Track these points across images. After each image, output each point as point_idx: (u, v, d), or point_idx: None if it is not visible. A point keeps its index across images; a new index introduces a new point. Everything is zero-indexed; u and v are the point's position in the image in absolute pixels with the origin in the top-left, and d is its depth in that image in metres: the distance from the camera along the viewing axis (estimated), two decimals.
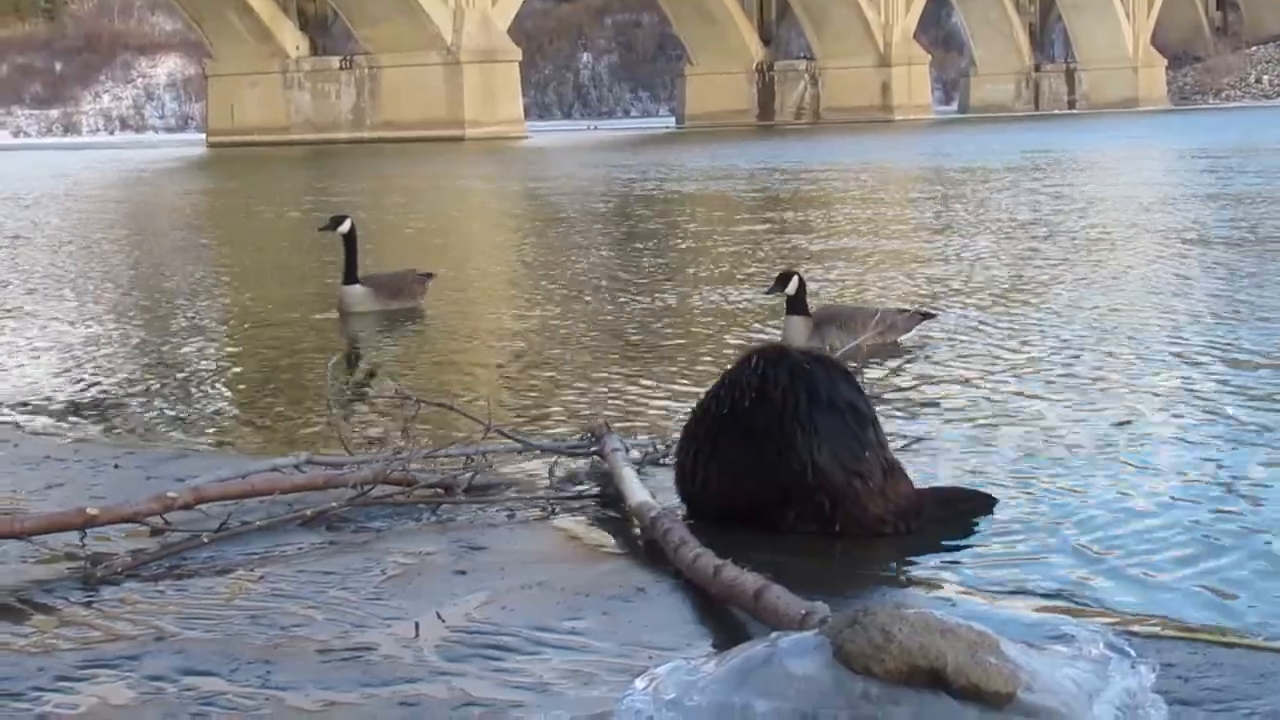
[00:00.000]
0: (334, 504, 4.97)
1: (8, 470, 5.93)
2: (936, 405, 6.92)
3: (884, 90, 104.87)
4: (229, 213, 27.74)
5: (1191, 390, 7.16)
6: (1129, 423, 6.38)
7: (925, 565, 4.45)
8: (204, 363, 9.29)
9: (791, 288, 8.55)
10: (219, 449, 6.58)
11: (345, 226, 10.65)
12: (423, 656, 3.65)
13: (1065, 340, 8.82)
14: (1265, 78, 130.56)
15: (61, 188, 37.76)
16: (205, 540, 4.61)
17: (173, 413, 7.65)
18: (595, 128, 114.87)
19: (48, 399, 8.00)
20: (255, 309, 11.95)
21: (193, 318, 11.50)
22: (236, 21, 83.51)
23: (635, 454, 5.51)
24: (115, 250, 18.69)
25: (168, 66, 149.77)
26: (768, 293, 8.93)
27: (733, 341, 9.17)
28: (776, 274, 8.87)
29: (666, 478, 5.24)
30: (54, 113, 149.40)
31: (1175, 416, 6.53)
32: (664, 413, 6.82)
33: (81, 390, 8.26)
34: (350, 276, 10.75)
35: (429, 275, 11.43)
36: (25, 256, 17.57)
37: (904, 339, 8.77)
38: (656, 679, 3.06)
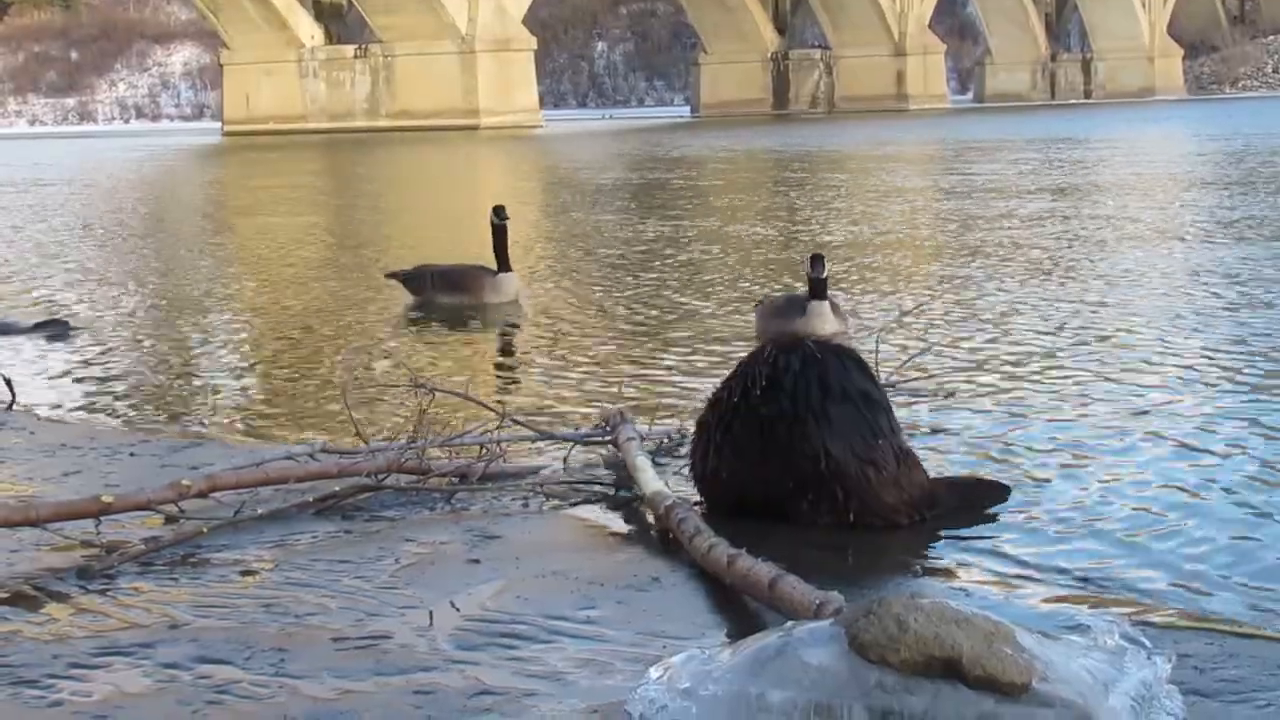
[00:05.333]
0: (337, 489, 4.98)
1: (24, 457, 5.94)
2: (951, 393, 6.89)
3: (899, 79, 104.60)
4: (250, 201, 27.73)
5: (1211, 379, 7.12)
6: (1146, 412, 6.35)
7: (940, 555, 4.45)
8: (220, 350, 9.29)
9: (824, 270, 8.54)
10: (233, 437, 6.57)
11: (501, 220, 10.79)
12: (437, 645, 3.64)
13: (1081, 328, 8.78)
14: None
15: (83, 175, 37.82)
16: (205, 531, 4.61)
17: (187, 400, 7.66)
18: (610, 117, 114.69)
19: (64, 386, 8.01)
20: (273, 297, 11.95)
21: (210, 305, 11.51)
22: (251, 10, 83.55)
23: (650, 443, 5.50)
24: (133, 237, 18.70)
25: (183, 55, 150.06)
26: (811, 275, 8.66)
27: (750, 329, 9.14)
28: (813, 255, 8.77)
29: (682, 467, 5.24)
30: (70, 101, 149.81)
31: (1194, 405, 6.49)
32: (680, 402, 6.80)
33: (97, 377, 8.28)
34: (504, 265, 10.81)
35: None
36: (44, 242, 17.59)
37: None
38: (671, 668, 3.06)
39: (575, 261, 13.89)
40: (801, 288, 10.34)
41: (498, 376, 7.93)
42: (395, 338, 9.58)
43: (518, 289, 10.91)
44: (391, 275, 11.33)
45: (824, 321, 8.39)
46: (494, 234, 10.82)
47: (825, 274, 8.54)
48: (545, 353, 8.83)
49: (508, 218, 10.84)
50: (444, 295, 10.85)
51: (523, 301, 10.81)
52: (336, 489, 5.01)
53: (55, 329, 9.39)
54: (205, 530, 4.60)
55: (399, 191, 29.42)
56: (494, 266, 10.88)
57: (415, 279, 11.08)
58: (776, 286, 11.30)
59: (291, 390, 7.84)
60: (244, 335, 10.00)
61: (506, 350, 9.08)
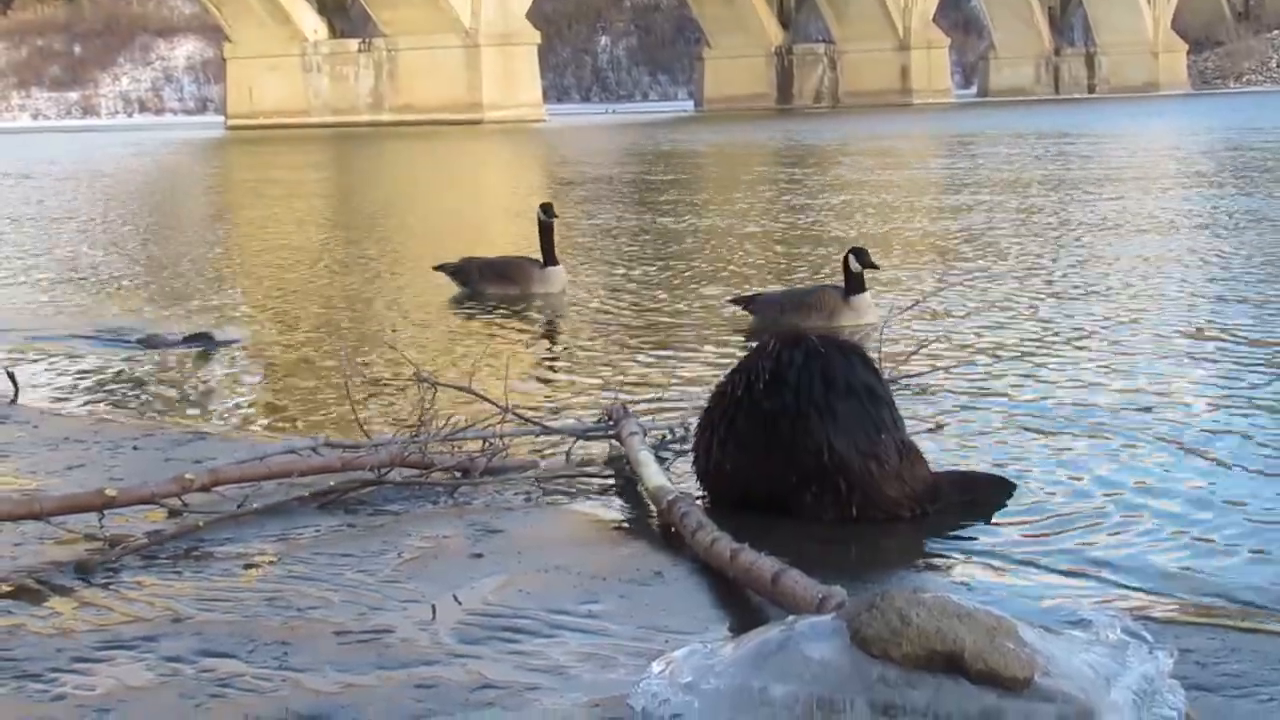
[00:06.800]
0: (333, 483, 4.98)
1: (28, 451, 5.94)
2: (953, 388, 6.88)
3: (903, 74, 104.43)
4: (256, 195, 27.70)
5: (1215, 371, 7.11)
6: (1150, 409, 6.33)
7: (942, 549, 4.43)
8: (223, 344, 9.25)
9: (866, 262, 8.78)
10: (236, 431, 6.56)
11: (549, 217, 10.99)
12: (439, 639, 3.64)
13: (1086, 322, 8.77)
14: None
15: (94, 168, 37.81)
16: (200, 525, 4.60)
17: (191, 394, 7.65)
18: (614, 111, 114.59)
19: (68, 380, 8.00)
20: (276, 291, 11.94)
21: (213, 299, 11.50)
22: (255, 4, 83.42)
23: (652, 437, 5.48)
24: (134, 231, 18.69)
25: (186, 49, 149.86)
26: (864, 268, 8.85)
27: (746, 323, 9.14)
28: (854, 249, 8.92)
29: (684, 461, 5.22)
30: (73, 95, 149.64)
31: (1198, 399, 6.48)
32: (683, 396, 6.78)
33: (101, 371, 8.27)
34: (551, 259, 10.97)
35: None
36: (50, 238, 17.59)
37: None
38: (673, 662, 3.05)
39: (581, 255, 13.87)
40: (772, 285, 10.47)
41: (503, 369, 7.87)
42: (410, 330, 9.57)
43: (565, 281, 11.05)
44: (439, 267, 11.39)
45: (872, 313, 8.71)
46: (541, 230, 11.02)
47: (876, 265, 8.90)
48: (551, 346, 8.82)
49: (556, 215, 11.10)
50: (491, 286, 10.98)
51: (569, 294, 10.90)
52: (334, 483, 4.99)
53: (203, 343, 8.98)
54: (201, 525, 4.58)
55: (408, 186, 29.41)
56: (540, 259, 11.04)
57: (462, 270, 11.19)
58: (762, 282, 11.30)
59: (296, 384, 7.83)
60: (247, 328, 9.95)
61: (514, 343, 9.06)
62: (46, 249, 16.31)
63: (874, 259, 8.95)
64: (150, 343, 9.03)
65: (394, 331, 9.51)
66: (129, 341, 9.16)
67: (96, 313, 10.75)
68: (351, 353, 8.41)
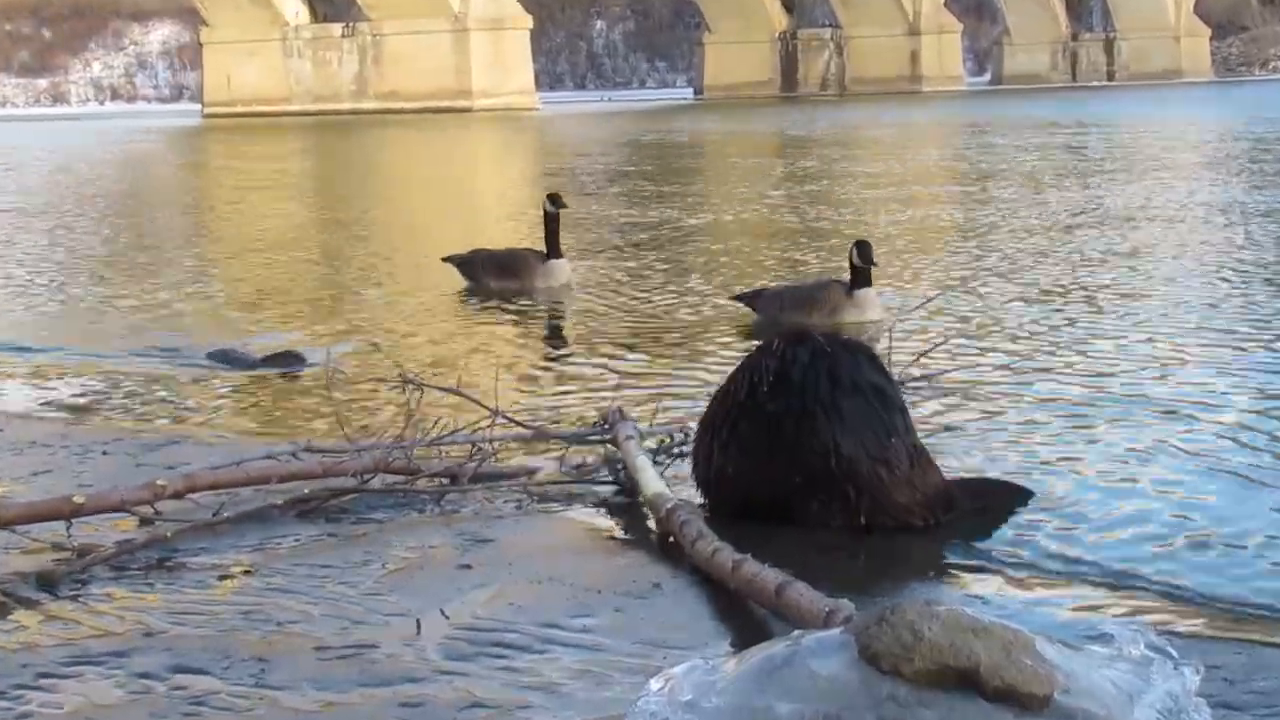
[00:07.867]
0: (307, 490, 4.90)
1: None
2: (965, 392, 6.75)
3: (913, 60, 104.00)
4: (232, 188, 27.71)
5: (1235, 377, 7.00)
6: (1172, 413, 6.23)
7: (956, 559, 4.37)
8: (199, 344, 9.05)
9: (867, 258, 8.61)
10: (212, 435, 6.40)
11: (556, 207, 10.93)
12: (425, 655, 3.58)
13: (1100, 326, 8.67)
14: None
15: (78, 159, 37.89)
16: (168, 536, 4.51)
17: (164, 397, 7.45)
18: (610, 99, 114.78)
19: (35, 382, 7.81)
20: (256, 290, 11.83)
21: (191, 296, 11.37)
22: None
23: (650, 442, 5.39)
24: (111, 227, 18.62)
25: (161, 34, 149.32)
26: (862, 264, 8.66)
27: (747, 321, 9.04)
28: (858, 243, 8.75)
29: (684, 468, 5.13)
30: (42, 82, 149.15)
31: (1218, 406, 6.37)
32: (682, 398, 6.67)
33: (70, 373, 8.07)
34: (555, 252, 10.89)
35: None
36: (28, 232, 17.54)
37: None
38: (672, 679, 3.02)
39: (579, 251, 13.76)
40: (774, 279, 10.38)
41: (494, 370, 7.78)
42: (424, 326, 9.49)
43: (569, 275, 10.97)
44: (448, 259, 11.33)
45: (877, 309, 8.62)
46: (546, 220, 10.94)
47: (874, 262, 8.70)
48: (547, 344, 8.80)
49: (564, 205, 10.99)
50: (494, 280, 10.90)
51: (574, 287, 10.86)
52: (309, 490, 4.92)
53: (288, 362, 8.03)
54: (168, 535, 4.50)
55: (399, 176, 29.51)
56: (543, 251, 10.98)
57: (468, 263, 11.14)
58: (764, 276, 11.27)
59: (276, 386, 7.66)
60: (226, 327, 9.76)
61: (509, 341, 8.98)
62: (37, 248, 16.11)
63: (873, 255, 8.71)
64: (226, 360, 8.14)
65: (415, 326, 9.39)
66: (198, 360, 8.25)
67: (143, 328, 9.82)
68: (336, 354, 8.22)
